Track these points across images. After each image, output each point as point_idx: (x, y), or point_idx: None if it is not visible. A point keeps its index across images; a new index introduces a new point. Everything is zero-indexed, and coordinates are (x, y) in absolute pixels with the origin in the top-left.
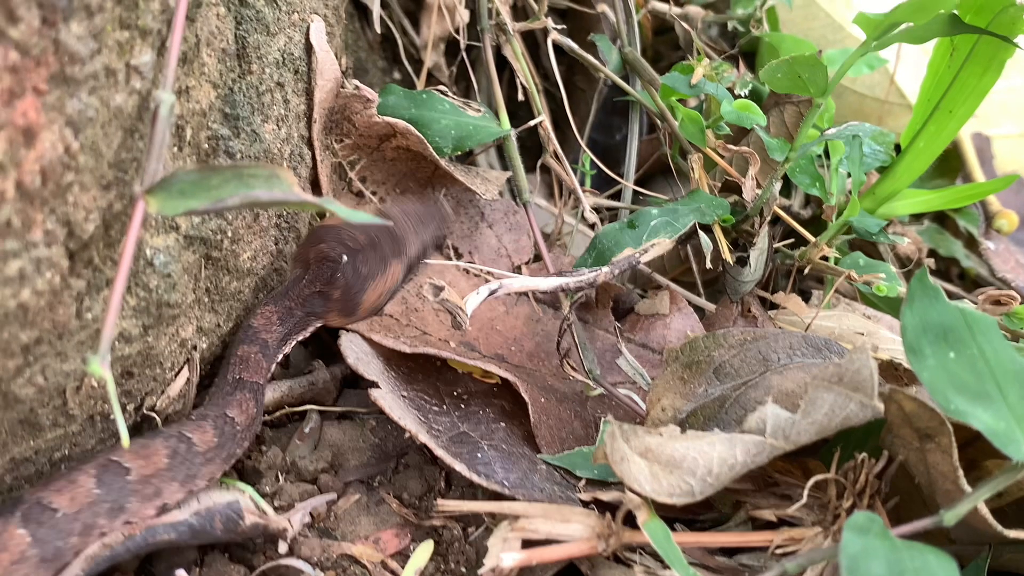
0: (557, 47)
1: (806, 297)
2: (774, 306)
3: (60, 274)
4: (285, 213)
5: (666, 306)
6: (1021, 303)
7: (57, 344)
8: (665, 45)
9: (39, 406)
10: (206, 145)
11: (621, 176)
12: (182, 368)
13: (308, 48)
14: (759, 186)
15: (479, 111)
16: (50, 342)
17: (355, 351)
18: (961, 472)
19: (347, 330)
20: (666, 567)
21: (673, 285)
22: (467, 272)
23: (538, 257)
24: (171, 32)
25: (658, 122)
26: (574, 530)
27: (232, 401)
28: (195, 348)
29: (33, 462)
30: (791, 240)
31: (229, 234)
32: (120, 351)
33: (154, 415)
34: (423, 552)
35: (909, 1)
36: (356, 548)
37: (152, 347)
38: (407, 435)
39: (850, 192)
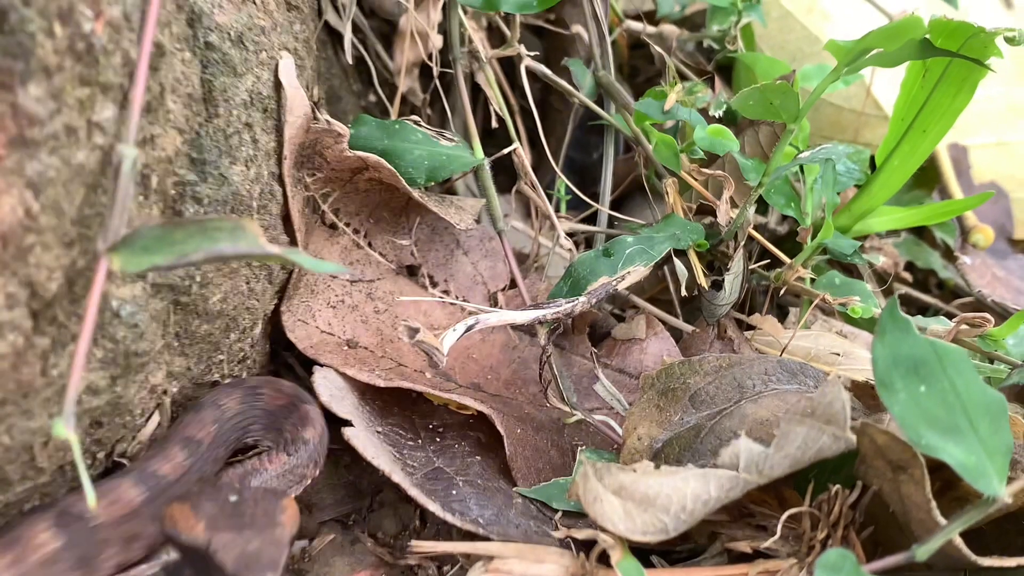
0: (531, 71)
1: (784, 313)
2: (751, 327)
3: (23, 335)
4: None
5: (642, 330)
6: (997, 319)
7: (23, 403)
8: (642, 60)
9: (7, 463)
10: (173, 191)
11: (597, 197)
12: (152, 413)
13: (277, 85)
14: (734, 207)
15: (452, 140)
16: (15, 402)
17: (328, 388)
18: (934, 504)
19: (321, 365)
20: None
21: (650, 307)
22: (442, 302)
23: (514, 283)
24: (133, 84)
25: (634, 145)
26: (548, 571)
27: None
28: (165, 393)
29: (3, 515)
30: (767, 261)
31: (198, 279)
32: (88, 403)
33: (124, 461)
34: None
35: (880, 27)
36: None
37: (121, 396)
38: (381, 473)
39: (825, 211)
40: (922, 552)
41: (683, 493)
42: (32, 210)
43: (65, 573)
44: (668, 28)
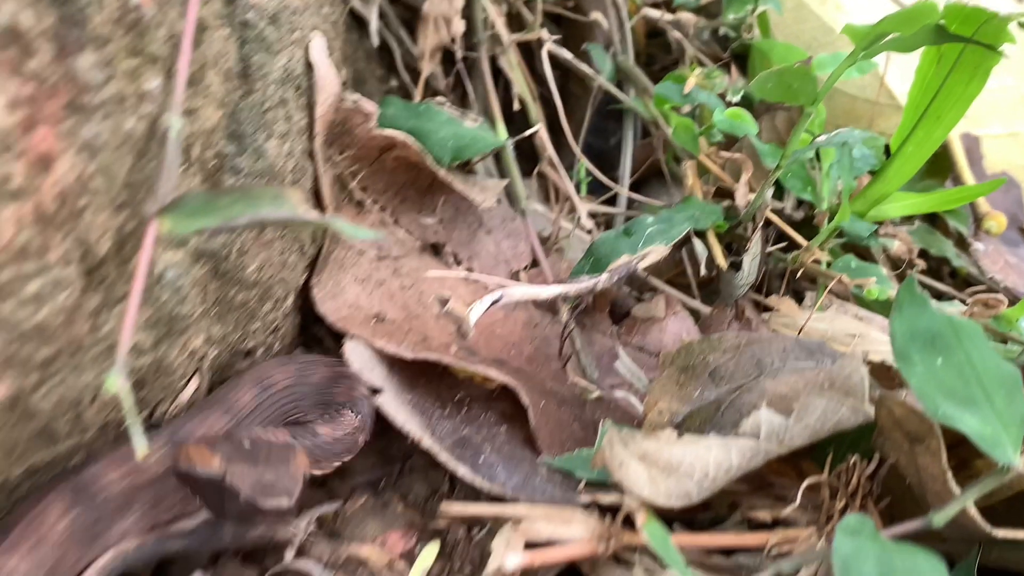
0: (552, 55)
1: (800, 297)
2: (768, 308)
3: (76, 292)
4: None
5: (662, 310)
6: (1009, 305)
7: (73, 359)
8: (658, 48)
9: (56, 418)
10: (212, 163)
11: (616, 180)
12: (191, 377)
13: (308, 64)
14: (752, 191)
15: (476, 121)
16: (67, 357)
17: (359, 357)
18: (950, 474)
19: (352, 336)
20: (665, 567)
21: (669, 288)
22: (466, 280)
23: (536, 263)
24: (179, 56)
25: (653, 129)
26: (575, 532)
27: None
28: (204, 358)
29: (48, 471)
30: (784, 244)
31: (236, 248)
32: (133, 363)
33: None
34: (429, 553)
35: (896, 12)
36: (364, 549)
37: (163, 358)
38: (410, 441)
39: (841, 196)
40: (939, 518)
41: (706, 461)
42: (86, 172)
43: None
44: (685, 16)
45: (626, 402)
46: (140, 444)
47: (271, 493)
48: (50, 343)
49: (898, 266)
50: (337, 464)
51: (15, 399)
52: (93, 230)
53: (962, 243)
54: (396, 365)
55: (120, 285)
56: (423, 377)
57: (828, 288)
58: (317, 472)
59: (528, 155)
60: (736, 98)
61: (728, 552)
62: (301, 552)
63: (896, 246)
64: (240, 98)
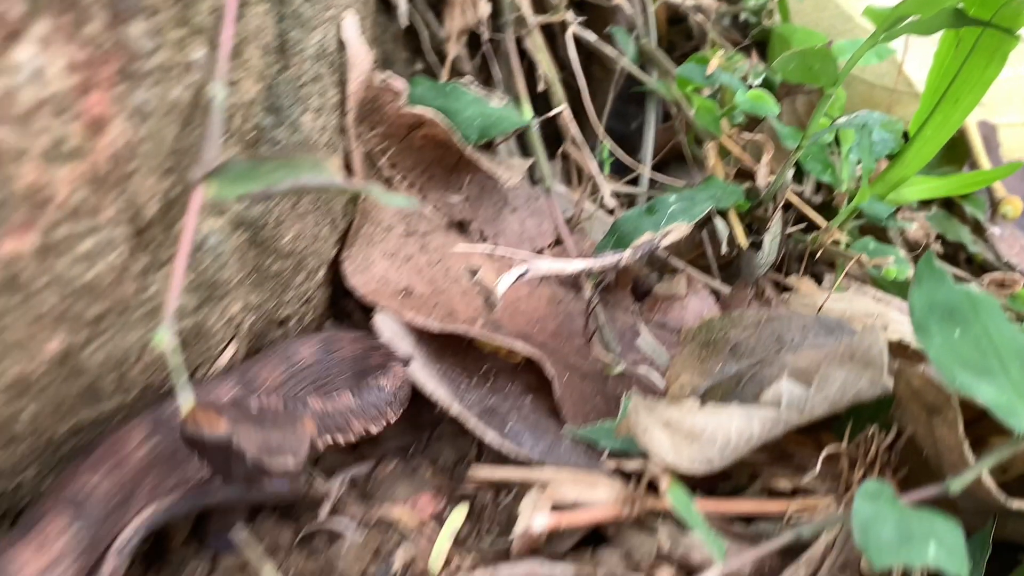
0: (576, 38)
1: (818, 280)
2: (787, 289)
3: (124, 253)
4: (323, 198)
5: (683, 288)
6: None
7: (120, 318)
8: (679, 35)
9: (102, 376)
10: (251, 134)
11: (638, 163)
12: (229, 343)
13: (341, 42)
14: (772, 172)
15: (502, 101)
16: (114, 316)
17: (389, 328)
18: (967, 444)
19: (381, 309)
20: (688, 530)
21: (690, 268)
22: (492, 256)
23: (559, 241)
24: (222, 29)
25: (674, 111)
26: (600, 496)
27: None
28: (241, 325)
29: (92, 430)
30: (803, 225)
31: (272, 218)
32: (175, 325)
33: None
34: (458, 515)
35: None
36: (395, 511)
37: (203, 323)
38: (438, 409)
39: (860, 179)
40: (955, 485)
41: (728, 429)
42: (136, 137)
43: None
44: (706, 1)
45: (647, 377)
46: (186, 398)
47: (277, 453)
48: (100, 301)
49: (915, 250)
50: (373, 429)
51: (66, 355)
52: (141, 194)
53: (978, 230)
54: (424, 338)
55: (165, 249)
56: (450, 350)
57: (847, 268)
58: (351, 438)
59: (551, 138)
60: (757, 82)
61: (748, 520)
62: (334, 511)
63: (914, 228)
64: (277, 72)
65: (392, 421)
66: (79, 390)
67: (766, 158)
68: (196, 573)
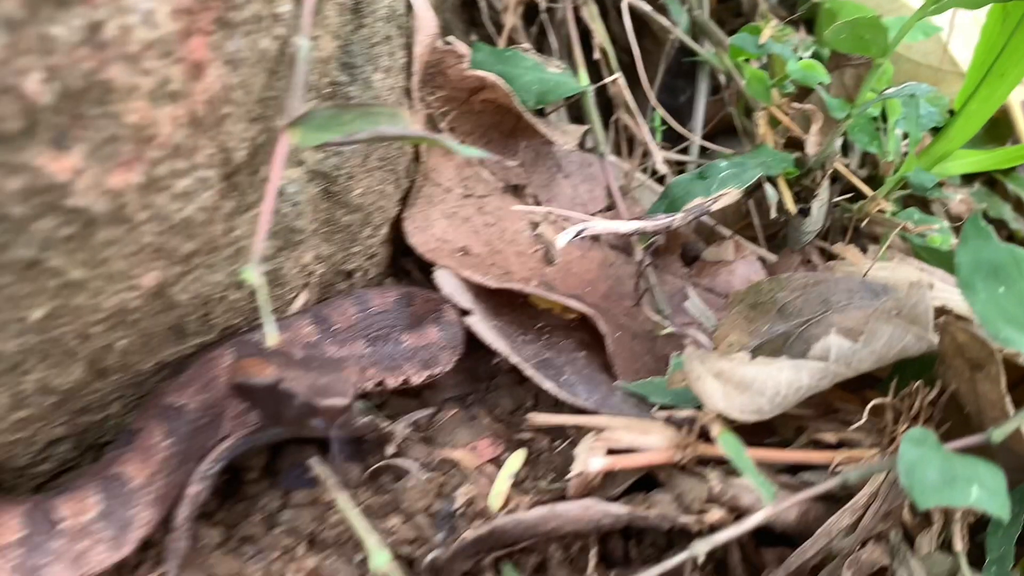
0: (631, 8)
1: (863, 250)
2: (833, 256)
3: (215, 195)
4: (388, 156)
5: (731, 253)
6: None
7: (209, 257)
8: (727, 12)
9: (188, 314)
10: (327, 90)
11: (687, 136)
12: (301, 291)
13: (409, 5)
14: (821, 142)
15: (559, 68)
16: (204, 255)
17: (449, 283)
18: (1008, 398)
19: (440, 266)
20: (737, 477)
21: (737, 237)
22: (547, 217)
23: (610, 207)
24: None
25: (724, 82)
26: (653, 441)
27: None
28: (312, 274)
29: (173, 368)
30: (850, 195)
31: (345, 171)
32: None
33: None
34: (517, 458)
35: None
36: (456, 453)
37: (279, 268)
38: (495, 361)
39: (906, 151)
40: (997, 434)
41: (777, 380)
42: (229, 83)
43: None
44: None
45: (696, 338)
46: (271, 331)
47: (327, 393)
48: (192, 239)
49: (957, 223)
50: (431, 373)
51: (160, 288)
52: (232, 139)
53: (1020, 207)
54: (481, 295)
55: (250, 193)
56: (506, 307)
57: (892, 236)
58: (415, 382)
59: (601, 109)
60: (807, 54)
61: (794, 471)
62: (399, 453)
63: (957, 201)
64: (351, 31)
65: (446, 369)
66: (167, 326)
67: (815, 127)
68: (268, 507)
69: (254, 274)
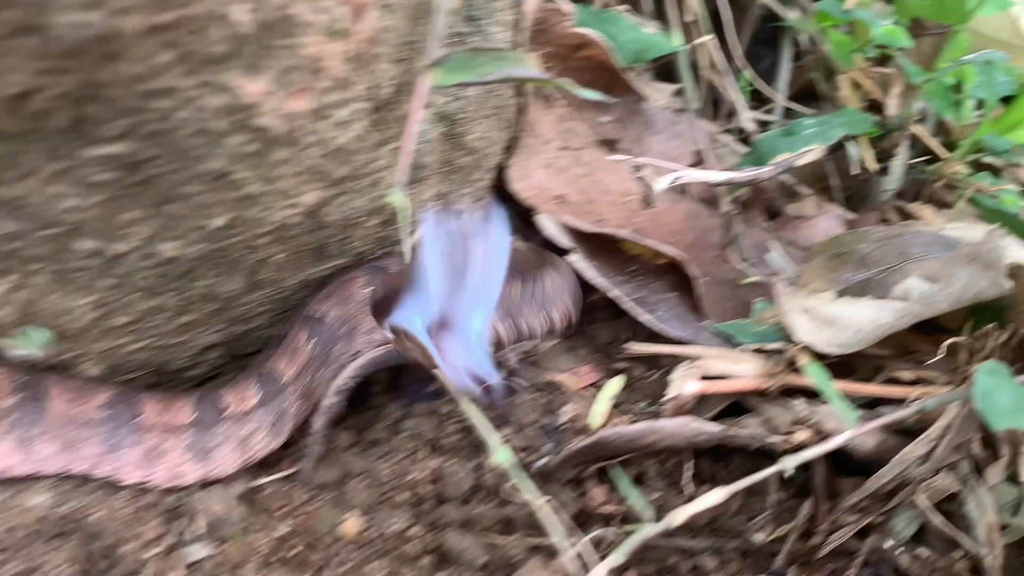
0: None
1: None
2: (908, 215)
3: (365, 126)
4: (500, 105)
5: (812, 209)
6: None
7: (355, 183)
8: None
9: (333, 235)
10: (454, 39)
11: (772, 98)
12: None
13: None
14: (900, 105)
15: (654, 29)
16: (351, 181)
17: (549, 227)
18: None
19: (540, 211)
20: (822, 404)
21: (817, 196)
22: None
23: (696, 164)
24: None
25: (807, 47)
26: (744, 369)
27: None
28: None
29: (313, 288)
30: (926, 158)
31: (464, 115)
32: (386, 199)
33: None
34: (616, 383)
35: None
36: (560, 376)
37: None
38: (593, 298)
39: (980, 117)
40: None
41: (861, 317)
42: (383, 26)
43: None
44: None
45: (777, 287)
46: (408, 249)
47: None
48: (344, 165)
49: None
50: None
51: (316, 207)
52: (381, 76)
53: None
54: (578, 238)
55: (391, 128)
56: (600, 251)
57: (967, 195)
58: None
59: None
60: (887, 22)
61: (872, 407)
62: (511, 374)
63: None
64: None
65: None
66: (314, 245)
67: (895, 91)
68: (392, 415)
69: (398, 197)
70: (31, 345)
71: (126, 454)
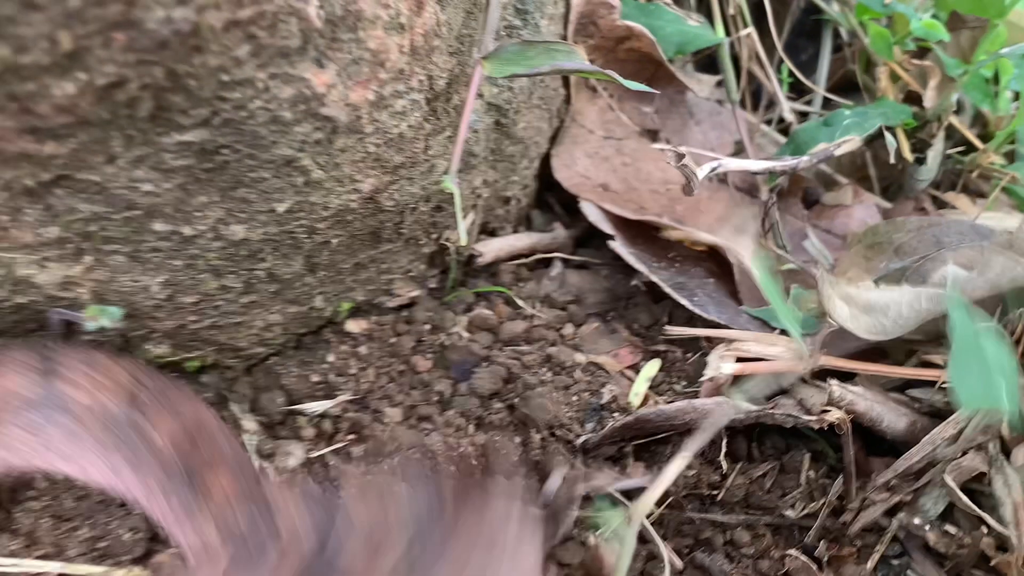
0: None
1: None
2: (944, 205)
3: (421, 116)
4: (547, 96)
5: (849, 198)
6: None
7: (410, 170)
8: None
9: (387, 220)
10: (503, 32)
11: (811, 89)
12: (469, 211)
13: None
14: (938, 97)
15: (697, 21)
16: (406, 168)
17: (593, 213)
18: None
19: (584, 199)
20: (855, 387)
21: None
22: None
23: (736, 154)
24: None
25: (846, 40)
26: (779, 352)
27: None
28: (479, 196)
29: (366, 269)
30: (961, 149)
31: (513, 106)
32: (439, 186)
33: (448, 244)
34: (653, 365)
35: None
36: (600, 358)
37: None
38: (633, 283)
39: (1016, 108)
40: None
41: (899, 303)
42: (440, 20)
43: None
44: None
45: (814, 275)
46: (462, 232)
47: None
48: (401, 152)
49: None
50: None
51: (374, 193)
52: (437, 68)
53: None
54: (619, 225)
55: (444, 118)
56: (641, 238)
57: (1001, 185)
58: None
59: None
60: (926, 15)
61: (903, 390)
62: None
63: None
64: None
65: None
66: (369, 229)
67: (933, 83)
68: (442, 393)
69: (452, 182)
70: (107, 318)
71: None
